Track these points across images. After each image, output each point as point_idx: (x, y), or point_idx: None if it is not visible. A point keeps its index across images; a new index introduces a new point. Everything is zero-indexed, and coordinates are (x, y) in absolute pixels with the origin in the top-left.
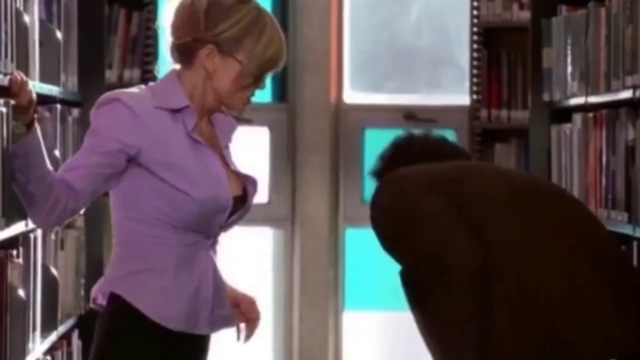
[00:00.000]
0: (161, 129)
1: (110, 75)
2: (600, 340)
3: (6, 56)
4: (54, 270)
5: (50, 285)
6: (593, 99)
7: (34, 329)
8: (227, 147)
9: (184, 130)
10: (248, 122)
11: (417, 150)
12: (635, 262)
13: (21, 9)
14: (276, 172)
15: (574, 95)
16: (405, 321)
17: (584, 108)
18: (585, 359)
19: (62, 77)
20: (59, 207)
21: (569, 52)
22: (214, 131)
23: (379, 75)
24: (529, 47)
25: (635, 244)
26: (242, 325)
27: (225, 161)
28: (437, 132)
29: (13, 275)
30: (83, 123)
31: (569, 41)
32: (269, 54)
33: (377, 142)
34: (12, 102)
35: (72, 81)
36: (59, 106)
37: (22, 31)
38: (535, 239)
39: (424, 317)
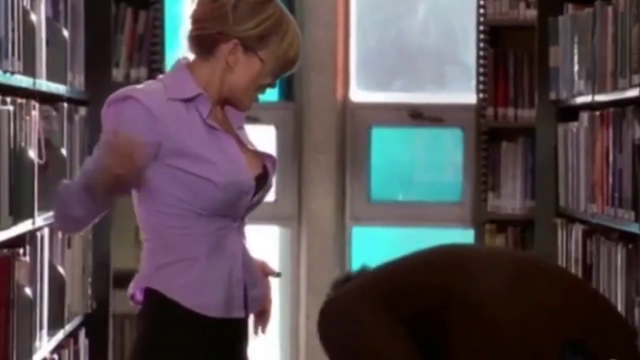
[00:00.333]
0: (177, 121)
1: (117, 73)
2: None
3: (13, 54)
4: (60, 269)
5: (57, 284)
6: (600, 98)
7: (41, 328)
8: (241, 127)
9: (198, 117)
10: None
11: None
12: None
13: (28, 7)
14: (283, 170)
15: (580, 94)
16: None
17: (590, 106)
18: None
19: (69, 76)
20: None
21: (575, 51)
22: (225, 115)
23: (385, 74)
24: (536, 45)
25: None
26: (251, 319)
27: (241, 142)
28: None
29: (20, 273)
30: (90, 121)
31: (576, 40)
32: (291, 54)
33: (383, 141)
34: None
35: (79, 80)
36: (65, 105)
37: (29, 30)
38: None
39: None
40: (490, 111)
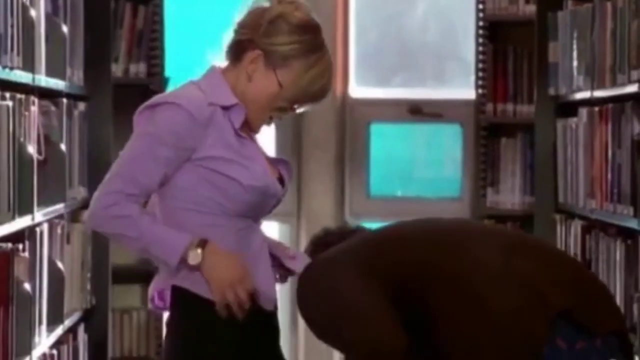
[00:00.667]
0: (213, 125)
1: (116, 69)
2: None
3: (12, 50)
4: (60, 265)
5: (56, 280)
6: (599, 93)
7: (40, 323)
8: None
9: (231, 125)
10: None
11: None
12: None
13: (27, 3)
14: None
15: (579, 90)
16: None
17: (589, 102)
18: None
19: (68, 71)
20: None
21: (574, 46)
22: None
23: (384, 70)
24: (535, 41)
25: None
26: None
27: (261, 150)
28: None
29: (19, 269)
30: (89, 117)
31: (575, 35)
32: (314, 88)
33: (383, 137)
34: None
35: (78, 75)
36: (64, 100)
37: (28, 25)
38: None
39: None
40: (489, 107)
